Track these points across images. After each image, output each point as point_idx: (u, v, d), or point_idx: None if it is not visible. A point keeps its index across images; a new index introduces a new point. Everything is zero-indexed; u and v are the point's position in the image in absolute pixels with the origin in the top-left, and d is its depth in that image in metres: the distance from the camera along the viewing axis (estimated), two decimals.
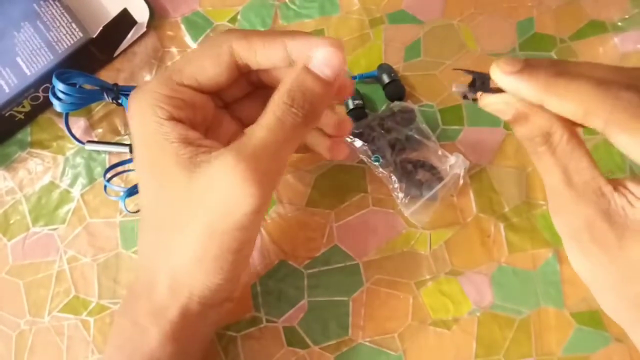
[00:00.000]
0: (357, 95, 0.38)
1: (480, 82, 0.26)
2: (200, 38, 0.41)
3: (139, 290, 0.29)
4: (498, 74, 0.24)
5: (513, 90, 0.24)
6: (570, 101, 0.22)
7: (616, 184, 0.23)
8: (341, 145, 0.32)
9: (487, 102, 0.25)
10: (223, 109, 0.32)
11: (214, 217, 0.25)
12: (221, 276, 0.27)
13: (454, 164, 0.35)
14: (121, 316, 0.30)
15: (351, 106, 0.38)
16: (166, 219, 0.27)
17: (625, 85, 0.22)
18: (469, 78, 0.26)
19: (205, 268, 0.27)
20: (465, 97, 0.26)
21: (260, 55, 0.27)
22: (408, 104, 0.37)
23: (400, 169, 0.36)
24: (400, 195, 0.35)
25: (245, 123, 0.32)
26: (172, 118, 0.27)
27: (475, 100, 0.26)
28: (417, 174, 0.35)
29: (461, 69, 0.26)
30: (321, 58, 0.26)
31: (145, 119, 0.27)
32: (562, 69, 0.23)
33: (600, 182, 0.23)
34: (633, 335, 0.25)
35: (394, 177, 0.35)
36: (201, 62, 0.28)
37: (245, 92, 0.32)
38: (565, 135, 0.24)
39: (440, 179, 0.35)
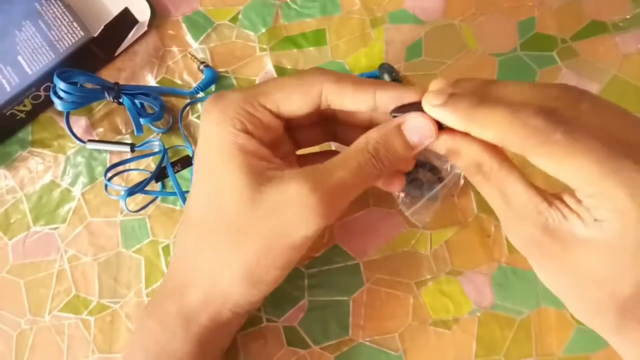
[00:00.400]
0: (392, 69, 0.38)
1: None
2: (202, 37, 0.41)
3: (170, 292, 0.29)
4: (426, 107, 0.25)
5: (441, 120, 0.25)
6: (489, 130, 0.23)
7: (553, 199, 0.24)
8: (399, 177, 0.32)
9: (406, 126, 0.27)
10: (285, 128, 0.32)
11: (277, 233, 0.26)
12: (262, 289, 0.28)
13: (454, 164, 0.35)
14: (149, 316, 0.30)
15: (387, 80, 0.38)
16: (219, 226, 0.27)
17: (537, 109, 0.22)
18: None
19: (250, 280, 0.28)
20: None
21: (348, 101, 0.28)
22: None
23: None
24: (401, 195, 0.35)
25: (300, 144, 0.33)
26: (247, 131, 0.28)
27: None
28: (418, 173, 0.35)
29: (396, 109, 0.27)
30: (415, 125, 0.27)
31: (223, 126, 0.27)
32: (484, 96, 0.24)
33: (536, 201, 0.24)
34: (607, 339, 0.25)
35: None
36: (289, 94, 0.28)
37: (313, 120, 0.32)
38: (494, 164, 0.25)
39: (441, 179, 0.35)
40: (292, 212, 0.26)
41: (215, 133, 0.28)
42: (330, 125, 0.32)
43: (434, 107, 0.25)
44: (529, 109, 0.23)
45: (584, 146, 0.22)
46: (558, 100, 0.23)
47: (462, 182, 0.36)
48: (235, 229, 0.27)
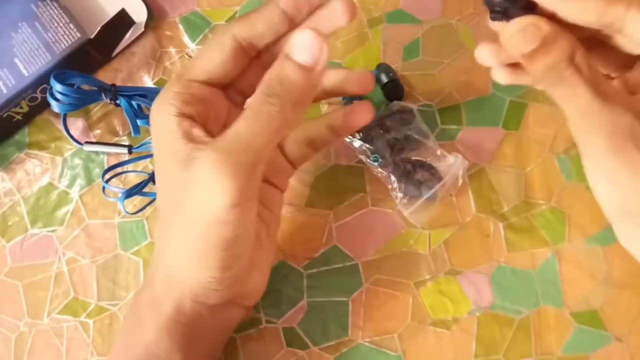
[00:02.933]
0: (389, 68, 0.38)
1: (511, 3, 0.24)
2: (199, 38, 0.41)
3: (145, 283, 0.30)
4: None
5: None
6: None
7: None
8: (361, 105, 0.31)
9: (516, 26, 0.24)
10: (242, 106, 0.31)
11: (195, 212, 0.25)
12: (210, 273, 0.27)
13: (453, 164, 0.35)
14: (129, 308, 0.31)
15: (385, 80, 0.38)
16: (166, 213, 0.28)
17: None
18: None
19: (194, 264, 0.27)
20: (494, 12, 0.25)
21: (260, 26, 0.27)
22: (407, 103, 0.37)
23: (399, 168, 0.36)
24: (399, 195, 0.35)
25: (247, 95, 0.31)
26: (182, 114, 0.27)
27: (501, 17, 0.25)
28: (416, 173, 0.35)
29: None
30: (301, 43, 0.24)
31: (159, 116, 0.28)
32: None
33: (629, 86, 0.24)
34: None
35: (393, 177, 0.35)
36: (207, 54, 0.28)
37: (244, 69, 0.30)
38: (584, 52, 0.23)
39: (440, 178, 0.35)
40: (203, 187, 0.24)
41: (154, 127, 0.28)
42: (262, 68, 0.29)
43: None
44: None
45: None
46: None
47: (460, 181, 0.36)
48: (172, 215, 0.27)
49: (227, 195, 0.24)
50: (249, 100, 0.30)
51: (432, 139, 0.36)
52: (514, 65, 0.27)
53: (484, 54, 0.26)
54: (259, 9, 0.28)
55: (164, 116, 0.27)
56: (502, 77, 0.28)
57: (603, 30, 0.24)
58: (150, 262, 0.31)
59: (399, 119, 0.36)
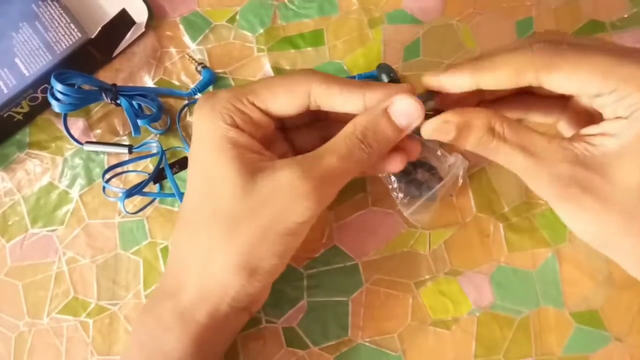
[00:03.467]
0: (390, 69, 0.38)
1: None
2: (199, 38, 0.41)
3: (166, 290, 0.29)
4: (429, 80, 0.28)
5: (449, 84, 0.27)
6: (500, 70, 0.26)
7: (572, 137, 0.25)
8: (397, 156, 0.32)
9: (429, 127, 0.28)
10: (279, 129, 0.33)
11: (271, 220, 0.27)
12: (260, 280, 0.28)
13: (453, 164, 0.35)
14: (146, 313, 0.30)
15: (386, 80, 0.38)
16: (212, 219, 0.28)
17: (534, 41, 0.26)
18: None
19: (246, 270, 0.28)
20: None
21: (337, 102, 0.29)
22: None
23: None
24: (400, 195, 0.35)
25: (296, 147, 0.33)
26: (237, 127, 0.28)
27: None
28: (417, 174, 0.35)
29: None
30: (402, 107, 0.27)
31: (213, 121, 0.28)
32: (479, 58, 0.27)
33: (558, 140, 0.25)
34: None
35: (393, 177, 0.35)
36: (277, 93, 0.29)
37: (305, 121, 0.33)
38: (504, 121, 0.26)
39: (440, 179, 0.35)
40: (284, 199, 0.26)
41: (206, 128, 0.28)
42: (325, 127, 0.33)
43: (437, 76, 0.27)
44: (526, 42, 0.25)
45: (590, 51, 0.24)
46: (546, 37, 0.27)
47: (460, 181, 0.35)
48: (229, 220, 0.27)
49: (308, 214, 0.27)
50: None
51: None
52: None
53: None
54: (345, 85, 0.28)
55: (220, 124, 0.28)
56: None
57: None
58: (168, 269, 0.30)
59: None
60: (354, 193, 0.37)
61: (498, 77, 0.26)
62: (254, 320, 0.35)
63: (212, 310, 0.28)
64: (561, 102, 0.30)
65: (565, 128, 0.31)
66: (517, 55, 0.25)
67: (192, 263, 0.28)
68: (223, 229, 0.27)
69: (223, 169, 0.27)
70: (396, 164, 0.31)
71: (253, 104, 0.29)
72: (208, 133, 0.28)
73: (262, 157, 0.28)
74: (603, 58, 0.24)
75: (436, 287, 0.35)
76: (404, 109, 0.27)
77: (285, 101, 0.29)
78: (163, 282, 0.30)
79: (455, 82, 0.27)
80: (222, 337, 0.31)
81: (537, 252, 0.35)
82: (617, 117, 0.24)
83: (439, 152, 0.36)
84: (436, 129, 0.27)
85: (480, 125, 0.26)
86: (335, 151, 0.27)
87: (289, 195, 0.26)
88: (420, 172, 0.36)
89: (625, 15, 0.39)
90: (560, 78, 0.25)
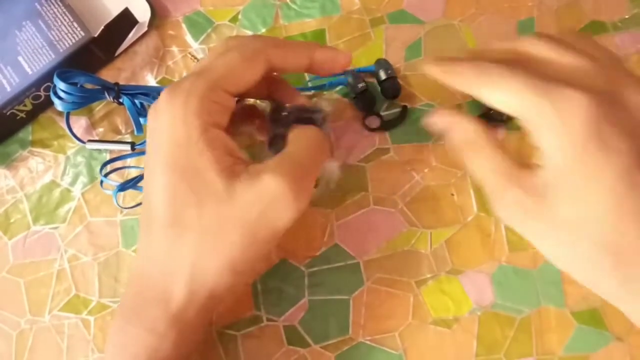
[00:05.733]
0: (388, 65, 0.39)
1: None
2: (202, 37, 0.41)
3: (152, 296, 0.28)
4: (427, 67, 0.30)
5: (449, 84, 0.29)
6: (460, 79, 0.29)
7: (526, 163, 0.27)
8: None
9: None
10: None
11: (259, 225, 0.27)
12: (247, 278, 0.29)
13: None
14: (130, 324, 0.29)
15: (383, 77, 0.38)
16: (198, 224, 0.27)
17: (495, 60, 0.27)
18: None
19: (234, 272, 0.28)
20: None
21: (290, 63, 0.30)
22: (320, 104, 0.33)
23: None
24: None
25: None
26: (214, 125, 0.27)
27: None
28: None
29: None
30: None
31: (190, 123, 0.27)
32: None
33: (511, 163, 0.27)
34: (619, 305, 0.26)
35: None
36: (241, 71, 0.28)
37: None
38: (483, 135, 0.28)
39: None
40: (268, 207, 0.26)
41: (176, 129, 0.27)
42: (264, 85, 0.32)
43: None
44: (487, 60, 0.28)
45: (521, 76, 0.25)
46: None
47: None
48: (215, 226, 0.27)
49: (293, 214, 0.27)
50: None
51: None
52: None
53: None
54: (294, 44, 0.31)
55: (197, 123, 0.27)
56: None
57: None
58: (149, 274, 0.29)
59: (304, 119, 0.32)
60: (355, 192, 0.37)
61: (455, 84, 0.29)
62: (255, 318, 0.35)
63: (201, 310, 0.28)
64: None
65: None
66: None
67: (179, 268, 0.28)
68: (210, 235, 0.27)
69: (201, 173, 0.27)
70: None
71: (225, 91, 0.28)
72: (179, 132, 0.27)
73: (235, 160, 0.27)
74: (522, 84, 0.25)
75: (437, 286, 0.35)
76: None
77: (249, 75, 0.29)
78: (142, 290, 0.29)
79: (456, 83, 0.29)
80: (203, 326, 0.31)
81: (538, 252, 0.35)
82: (544, 151, 0.25)
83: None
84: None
85: (463, 131, 0.29)
86: (300, 145, 0.29)
87: (272, 203, 0.26)
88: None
89: (627, 16, 0.39)
90: (484, 94, 0.27)
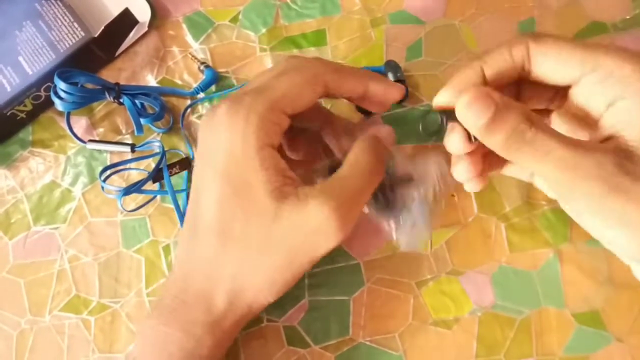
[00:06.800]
0: (398, 68, 0.38)
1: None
2: (202, 37, 0.41)
3: (192, 300, 0.29)
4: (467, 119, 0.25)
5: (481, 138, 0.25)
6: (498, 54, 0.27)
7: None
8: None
9: (466, 98, 0.25)
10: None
11: (300, 250, 0.28)
12: (280, 294, 0.29)
13: (427, 161, 0.30)
14: (167, 324, 0.29)
15: (392, 79, 0.38)
16: (245, 238, 0.28)
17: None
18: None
19: (272, 288, 0.29)
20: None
21: (345, 90, 0.30)
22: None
23: (378, 200, 0.31)
24: (390, 223, 0.31)
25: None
26: (270, 144, 0.28)
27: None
28: (391, 194, 0.31)
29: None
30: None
31: (248, 139, 0.27)
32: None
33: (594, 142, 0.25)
34: None
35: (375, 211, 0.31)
36: (301, 93, 0.29)
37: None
38: (535, 114, 0.24)
39: (418, 183, 0.30)
40: (315, 231, 0.27)
41: (239, 147, 0.27)
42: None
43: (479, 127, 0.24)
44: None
45: (565, 40, 0.25)
46: None
47: (442, 184, 0.31)
48: (260, 243, 0.28)
49: (336, 241, 0.27)
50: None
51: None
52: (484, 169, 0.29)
53: (460, 172, 0.29)
54: (353, 71, 0.30)
55: (253, 142, 0.27)
56: (474, 187, 0.30)
57: (521, 74, 0.27)
58: (190, 278, 0.29)
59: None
60: None
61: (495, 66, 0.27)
62: (256, 319, 0.35)
63: (237, 322, 0.30)
64: (551, 94, 0.29)
65: (558, 125, 0.30)
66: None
67: (222, 278, 0.29)
68: (253, 252, 0.28)
69: (252, 190, 0.27)
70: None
71: (284, 112, 0.28)
72: (240, 150, 0.27)
73: (285, 181, 0.28)
74: (579, 45, 0.25)
75: (437, 286, 0.35)
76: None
77: (308, 98, 0.29)
78: (183, 291, 0.29)
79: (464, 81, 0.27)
80: (235, 335, 0.32)
81: (538, 253, 0.35)
82: (611, 104, 0.24)
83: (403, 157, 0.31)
84: (475, 100, 0.24)
85: (521, 111, 0.24)
86: (354, 174, 0.28)
87: (318, 228, 0.27)
88: (396, 189, 0.31)
89: (628, 17, 0.39)
90: (543, 61, 0.25)
